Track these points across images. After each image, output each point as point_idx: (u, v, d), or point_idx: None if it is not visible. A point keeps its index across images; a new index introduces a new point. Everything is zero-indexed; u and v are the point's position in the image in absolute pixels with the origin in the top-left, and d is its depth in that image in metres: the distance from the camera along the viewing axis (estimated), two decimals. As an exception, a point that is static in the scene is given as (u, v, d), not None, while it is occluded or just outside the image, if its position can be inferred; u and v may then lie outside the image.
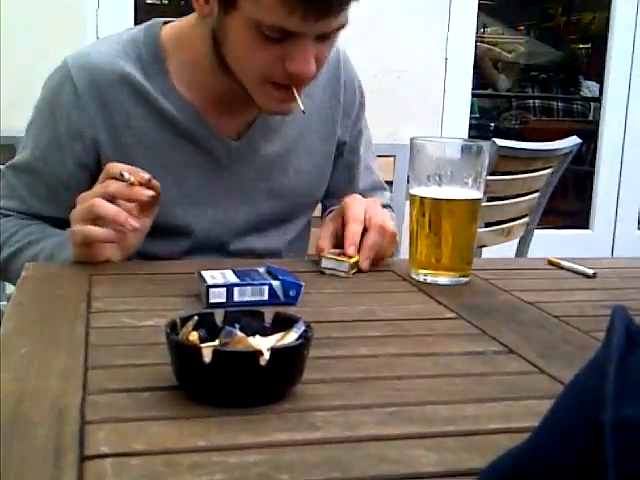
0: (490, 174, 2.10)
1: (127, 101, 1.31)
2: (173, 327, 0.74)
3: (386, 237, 1.22)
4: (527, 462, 0.47)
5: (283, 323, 0.77)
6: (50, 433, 0.63)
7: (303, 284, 1.03)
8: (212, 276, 1.01)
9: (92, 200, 1.12)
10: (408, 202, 1.20)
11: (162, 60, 1.32)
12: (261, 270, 1.07)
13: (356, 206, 1.24)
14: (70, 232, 1.15)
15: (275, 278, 1.02)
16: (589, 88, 5.32)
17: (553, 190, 2.52)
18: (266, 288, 1.01)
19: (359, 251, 1.20)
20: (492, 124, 5.31)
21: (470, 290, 1.15)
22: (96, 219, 1.12)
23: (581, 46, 5.88)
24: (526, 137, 4.96)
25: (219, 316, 0.78)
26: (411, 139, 1.17)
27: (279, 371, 0.70)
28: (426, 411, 0.71)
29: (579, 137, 2.48)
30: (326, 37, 1.19)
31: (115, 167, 1.14)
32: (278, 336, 0.75)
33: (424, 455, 0.62)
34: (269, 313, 0.80)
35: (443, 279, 1.16)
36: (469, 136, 3.93)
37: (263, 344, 0.72)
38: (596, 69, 4.85)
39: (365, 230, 1.21)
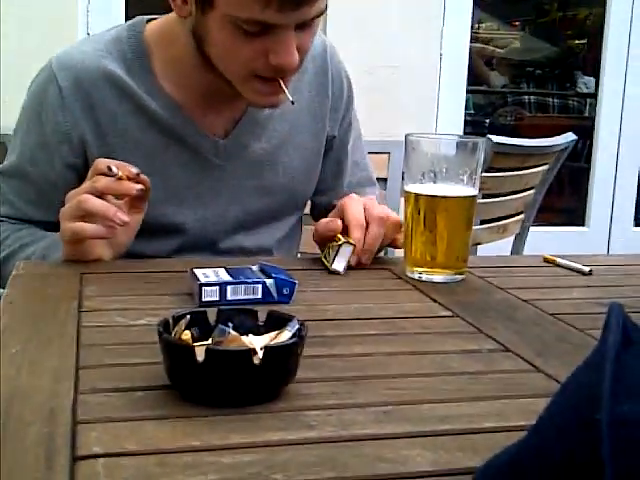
0: (485, 171, 2.10)
1: (112, 100, 1.30)
2: (165, 326, 0.73)
3: (388, 225, 1.21)
4: (523, 460, 0.47)
5: (277, 321, 0.77)
6: (42, 433, 0.63)
7: (297, 282, 1.02)
8: (205, 274, 1.01)
9: (80, 196, 1.11)
10: (403, 199, 1.19)
11: (146, 58, 1.32)
12: (254, 268, 1.06)
13: (355, 207, 1.22)
14: (60, 229, 1.15)
15: (269, 276, 1.02)
16: (586, 84, 5.32)
17: (549, 187, 2.52)
18: (259, 286, 1.00)
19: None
20: (487, 120, 5.31)
21: (466, 288, 1.14)
22: (85, 215, 1.11)
23: (577, 42, 5.87)
24: (521, 133, 4.96)
25: (212, 315, 0.78)
26: (406, 135, 1.17)
27: (273, 370, 0.70)
28: (421, 410, 0.71)
29: (575, 133, 2.48)
30: (306, 25, 1.18)
31: (103, 162, 1.14)
32: (272, 335, 0.75)
33: (419, 454, 0.62)
34: (263, 311, 0.79)
35: (438, 277, 1.15)
36: (464, 132, 3.93)
37: (257, 343, 0.72)
38: (592, 65, 4.85)
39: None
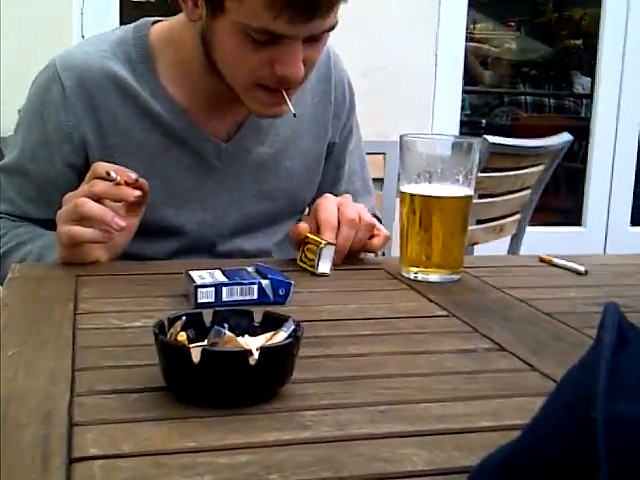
0: (481, 171, 2.10)
1: (115, 101, 1.30)
2: (161, 328, 0.73)
3: (360, 228, 1.21)
4: (518, 459, 0.47)
5: (272, 322, 0.77)
6: (38, 435, 0.63)
7: (293, 283, 1.02)
8: (200, 276, 1.01)
9: (78, 200, 1.11)
10: (398, 199, 1.19)
11: (151, 60, 1.32)
12: (250, 269, 1.06)
13: (328, 207, 1.22)
14: (57, 232, 1.14)
15: (264, 277, 1.02)
16: (583, 85, 5.32)
17: (545, 187, 2.52)
18: (255, 287, 1.00)
19: None
20: (483, 121, 5.31)
21: (461, 288, 1.14)
22: (82, 219, 1.11)
23: (572, 42, 5.88)
24: (517, 134, 4.96)
25: (208, 316, 0.78)
26: (401, 136, 1.17)
27: (269, 371, 0.70)
28: (417, 409, 0.71)
29: (571, 134, 2.48)
30: (315, 39, 1.18)
31: (102, 166, 1.13)
32: (267, 335, 0.75)
33: (415, 453, 0.62)
34: (258, 312, 0.79)
35: (434, 277, 1.16)
36: (460, 133, 3.93)
37: (252, 344, 0.72)
38: (587, 65, 4.85)
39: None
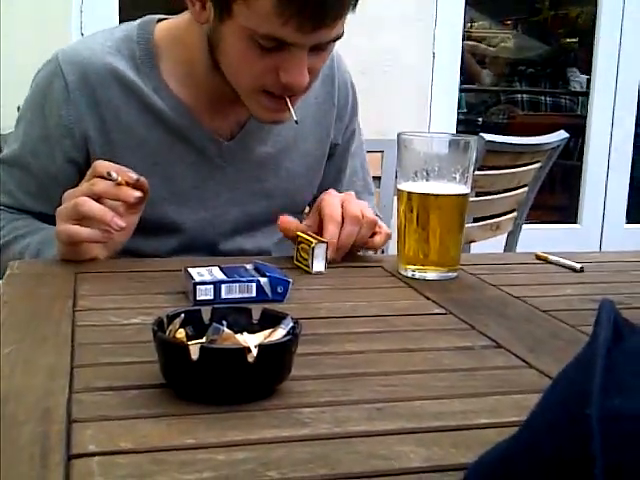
0: (478, 169, 2.11)
1: (118, 98, 1.30)
2: (160, 325, 0.73)
3: (362, 225, 1.21)
4: (514, 456, 0.47)
5: (271, 320, 0.77)
6: (36, 432, 0.63)
7: (291, 280, 1.02)
8: (199, 273, 1.01)
9: (78, 199, 1.11)
10: (396, 197, 1.20)
11: (155, 58, 1.31)
12: (249, 267, 1.06)
13: (332, 203, 1.22)
14: (56, 230, 1.15)
15: (263, 275, 1.02)
16: (580, 83, 5.33)
17: (541, 185, 2.52)
18: (254, 285, 1.00)
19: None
20: (480, 119, 5.31)
21: (458, 285, 1.15)
22: (82, 218, 1.11)
23: (568, 40, 5.88)
24: (514, 132, 4.96)
25: (206, 313, 0.78)
26: (398, 134, 1.17)
27: (267, 368, 0.70)
28: (414, 407, 0.71)
29: (567, 131, 2.49)
30: (321, 48, 1.18)
31: (103, 165, 1.13)
32: (266, 333, 0.75)
33: (413, 450, 0.62)
34: (257, 310, 0.80)
35: (431, 274, 1.16)
36: (457, 131, 3.94)
37: (251, 341, 0.72)
38: (584, 63, 4.86)
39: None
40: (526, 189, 2.46)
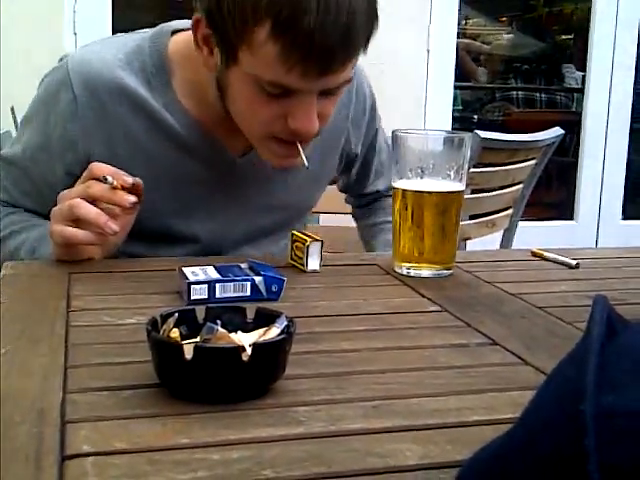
0: (474, 166, 2.11)
1: (127, 114, 1.27)
2: (154, 324, 0.73)
3: None
4: (509, 452, 0.47)
5: (265, 318, 0.77)
6: (31, 433, 0.62)
7: (285, 279, 1.02)
8: (193, 272, 1.01)
9: (73, 201, 1.11)
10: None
11: (167, 73, 1.28)
12: (243, 266, 1.06)
13: None
14: (50, 231, 1.14)
15: (257, 274, 1.02)
16: (576, 80, 5.33)
17: (537, 181, 2.52)
18: (248, 284, 1.00)
19: None
20: (475, 116, 5.31)
21: (454, 282, 1.15)
22: (76, 220, 1.11)
23: (563, 37, 5.89)
24: (510, 129, 4.96)
25: (200, 312, 0.78)
26: (393, 132, 1.17)
27: (261, 367, 0.70)
28: (410, 404, 0.71)
29: (562, 128, 2.49)
30: (331, 92, 1.15)
31: (99, 168, 1.12)
32: (260, 332, 0.75)
33: (408, 448, 0.62)
34: (251, 309, 0.79)
35: (426, 272, 1.16)
36: (452, 128, 3.93)
37: (245, 340, 0.72)
38: (579, 60, 4.86)
39: None
40: (522, 186, 2.46)
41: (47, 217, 1.17)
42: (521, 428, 0.48)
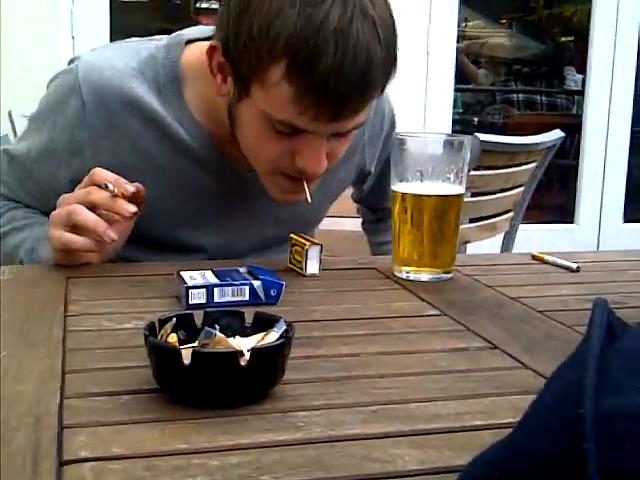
0: (474, 169, 2.10)
1: (136, 125, 1.25)
2: (152, 329, 0.73)
3: None
4: (509, 456, 0.47)
5: (264, 323, 0.77)
6: (28, 438, 0.62)
7: (284, 283, 1.02)
8: (191, 277, 1.01)
9: (72, 207, 1.11)
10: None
11: (179, 84, 1.26)
12: (242, 270, 1.06)
13: None
14: (48, 236, 1.14)
15: (256, 278, 1.01)
16: (576, 83, 5.33)
17: (537, 184, 2.52)
18: (247, 288, 1.00)
19: None
20: (476, 119, 5.31)
21: (453, 286, 1.14)
22: (75, 226, 1.11)
23: (564, 39, 5.89)
24: (510, 131, 4.97)
25: (198, 317, 0.77)
26: (393, 134, 1.17)
27: (260, 372, 0.70)
28: (409, 409, 0.71)
29: (563, 131, 2.49)
30: (342, 135, 1.14)
31: (100, 175, 1.12)
32: (259, 336, 0.75)
33: (408, 453, 0.62)
34: (249, 313, 0.79)
35: (426, 276, 1.16)
36: (453, 131, 3.94)
37: (243, 344, 0.72)
38: (579, 62, 4.86)
39: None
40: (522, 189, 2.45)
41: (47, 214, 1.17)
42: (521, 432, 0.48)
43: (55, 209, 1.15)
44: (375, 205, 1.63)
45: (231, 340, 0.72)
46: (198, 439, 0.63)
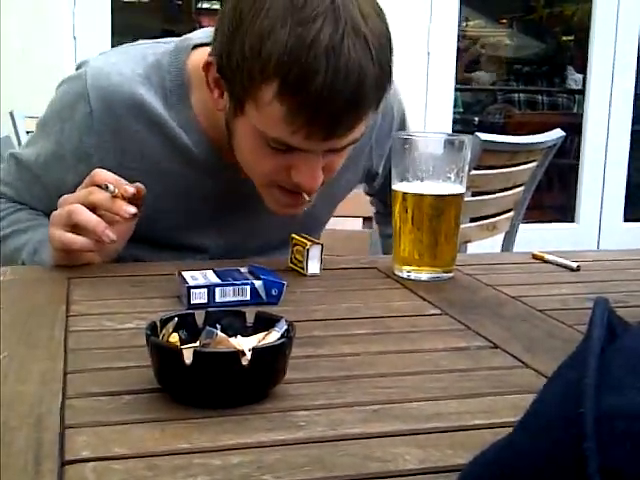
0: (474, 168, 2.11)
1: (142, 130, 1.25)
2: (153, 329, 0.73)
3: None
4: (510, 455, 0.47)
5: (265, 323, 0.77)
6: (30, 438, 0.62)
7: (285, 283, 1.02)
8: (193, 277, 1.01)
9: (73, 207, 1.11)
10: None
11: (185, 89, 1.26)
12: (243, 270, 1.06)
13: None
14: (49, 236, 1.14)
15: (257, 278, 1.02)
16: (577, 82, 5.33)
17: (538, 184, 2.52)
18: (248, 288, 1.00)
19: None
20: (477, 118, 5.31)
21: (454, 286, 1.14)
22: (75, 226, 1.11)
23: (564, 38, 5.89)
24: (511, 131, 4.97)
25: (200, 317, 0.78)
26: (393, 134, 1.17)
27: (261, 371, 0.70)
28: (410, 408, 0.71)
29: (563, 130, 2.49)
30: (337, 150, 1.13)
31: (101, 176, 1.12)
32: (260, 336, 0.75)
33: (408, 452, 0.62)
34: (251, 313, 0.79)
35: (427, 275, 1.16)
36: (453, 131, 3.94)
37: (245, 344, 0.72)
38: (579, 61, 4.86)
39: None
40: (523, 188, 2.45)
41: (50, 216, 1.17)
42: (521, 432, 0.48)
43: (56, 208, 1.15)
44: (387, 199, 1.63)
45: (232, 340, 0.73)
46: (199, 439, 0.63)
